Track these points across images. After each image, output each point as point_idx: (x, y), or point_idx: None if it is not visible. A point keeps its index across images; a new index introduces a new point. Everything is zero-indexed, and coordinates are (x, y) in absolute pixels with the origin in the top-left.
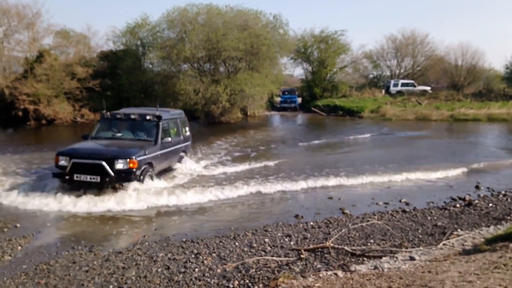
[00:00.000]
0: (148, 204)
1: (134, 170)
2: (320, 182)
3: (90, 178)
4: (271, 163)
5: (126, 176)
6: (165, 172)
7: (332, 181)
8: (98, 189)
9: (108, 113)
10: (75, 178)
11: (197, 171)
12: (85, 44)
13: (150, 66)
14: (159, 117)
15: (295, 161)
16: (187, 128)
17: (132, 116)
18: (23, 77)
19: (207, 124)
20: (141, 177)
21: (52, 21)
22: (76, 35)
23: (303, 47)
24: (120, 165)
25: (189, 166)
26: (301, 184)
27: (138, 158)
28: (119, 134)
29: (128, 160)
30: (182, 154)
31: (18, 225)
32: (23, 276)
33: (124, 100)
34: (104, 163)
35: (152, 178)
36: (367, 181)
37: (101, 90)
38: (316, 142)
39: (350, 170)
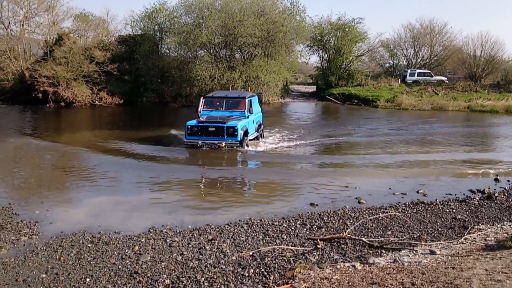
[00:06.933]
0: None
1: None
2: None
3: None
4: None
5: None
6: None
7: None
8: None
9: None
10: None
11: None
12: (104, 28)
13: (167, 51)
14: None
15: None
16: None
17: None
18: (43, 60)
19: None
20: None
21: (71, 4)
22: (95, 19)
23: (320, 35)
24: None
25: None
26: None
27: None
28: None
29: None
30: None
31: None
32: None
33: (141, 84)
34: None
35: None
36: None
37: (119, 74)
38: None
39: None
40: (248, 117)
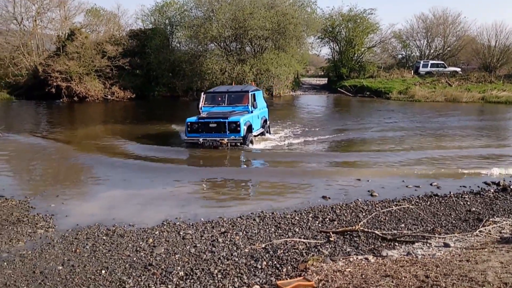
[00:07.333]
0: None
1: None
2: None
3: None
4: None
5: None
6: None
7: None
8: None
9: None
10: None
11: None
12: (115, 22)
13: (178, 45)
14: None
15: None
16: None
17: None
18: (56, 55)
19: None
20: None
21: None
22: (106, 14)
23: (331, 26)
24: None
25: None
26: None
27: None
28: None
29: None
30: None
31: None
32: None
33: (152, 79)
34: None
35: None
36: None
37: (130, 68)
38: None
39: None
40: (251, 111)
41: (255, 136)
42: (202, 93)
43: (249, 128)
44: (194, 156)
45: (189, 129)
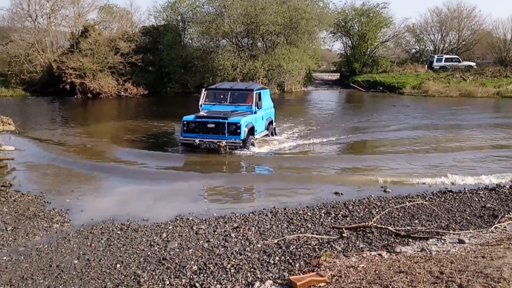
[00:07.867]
0: None
1: None
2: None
3: None
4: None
5: None
6: None
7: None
8: None
9: None
10: None
11: None
12: (128, 19)
13: (190, 41)
14: None
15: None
16: None
17: None
18: (70, 52)
19: None
20: None
21: None
22: (119, 10)
23: (343, 21)
24: None
25: None
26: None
27: None
28: None
29: None
30: None
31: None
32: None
33: (165, 75)
34: None
35: None
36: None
37: (143, 65)
38: None
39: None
40: (255, 112)
41: (256, 138)
42: (203, 89)
43: (251, 131)
44: (193, 162)
45: (185, 128)
